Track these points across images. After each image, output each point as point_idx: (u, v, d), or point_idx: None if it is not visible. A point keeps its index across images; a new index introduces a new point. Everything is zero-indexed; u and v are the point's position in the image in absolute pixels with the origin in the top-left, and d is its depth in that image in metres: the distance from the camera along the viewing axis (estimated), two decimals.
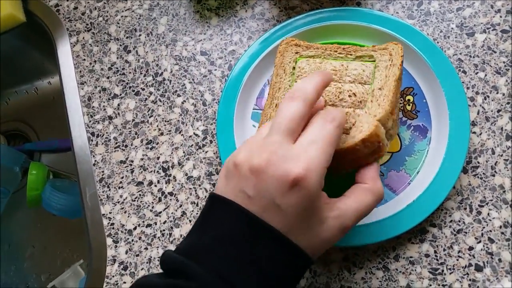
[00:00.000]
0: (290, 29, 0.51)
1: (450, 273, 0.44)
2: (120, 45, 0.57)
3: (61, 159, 0.78)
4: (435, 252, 0.45)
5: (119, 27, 0.58)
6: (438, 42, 0.50)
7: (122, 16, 0.58)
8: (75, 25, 0.60)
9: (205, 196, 0.50)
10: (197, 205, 0.50)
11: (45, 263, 0.73)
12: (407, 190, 0.45)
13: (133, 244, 0.50)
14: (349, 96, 0.41)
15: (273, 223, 0.29)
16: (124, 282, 0.49)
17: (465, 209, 0.45)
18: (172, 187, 0.51)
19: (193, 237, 0.32)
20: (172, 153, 0.52)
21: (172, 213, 0.50)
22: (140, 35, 0.57)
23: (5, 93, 0.81)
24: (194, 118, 0.53)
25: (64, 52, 0.58)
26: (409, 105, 0.48)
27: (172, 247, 0.49)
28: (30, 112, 0.80)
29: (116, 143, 0.54)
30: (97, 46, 0.58)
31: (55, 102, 0.79)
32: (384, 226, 0.44)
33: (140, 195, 0.52)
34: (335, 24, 0.50)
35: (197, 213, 0.50)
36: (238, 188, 0.31)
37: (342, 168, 0.38)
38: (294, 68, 0.45)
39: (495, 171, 0.46)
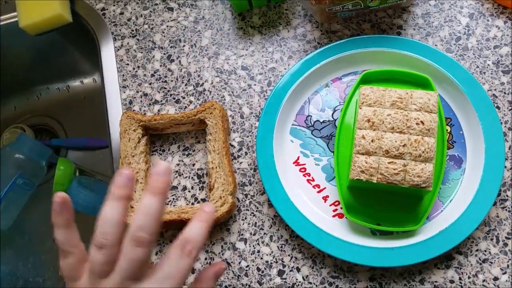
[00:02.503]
0: (332, 52, 0.53)
1: None
2: (164, 54, 0.59)
3: (88, 157, 0.79)
4: (459, 279, 0.46)
5: (164, 36, 0.60)
6: (474, 77, 0.52)
7: (167, 26, 0.60)
8: (120, 30, 0.62)
9: (238, 206, 0.51)
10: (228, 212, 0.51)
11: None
12: (439, 217, 0.46)
13: (164, 246, 0.51)
14: (417, 124, 0.43)
15: None
16: None
17: (491, 239, 0.46)
18: (206, 194, 0.53)
19: None
20: (207, 159, 0.54)
21: None
22: (184, 45, 0.59)
23: (37, 88, 0.83)
24: (231, 130, 0.54)
25: (108, 55, 0.60)
26: (446, 135, 0.50)
27: (201, 252, 0.50)
28: (60, 109, 0.82)
29: (154, 147, 0.55)
30: (141, 52, 0.60)
31: (86, 101, 0.81)
32: (414, 251, 0.45)
33: (173, 199, 0.53)
34: (376, 50, 0.52)
35: (229, 222, 0.51)
36: None
37: None
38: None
39: None
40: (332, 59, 0.53)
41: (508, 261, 0.46)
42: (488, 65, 0.53)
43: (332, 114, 0.53)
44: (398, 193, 0.46)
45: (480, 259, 0.46)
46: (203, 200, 0.52)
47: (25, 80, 0.81)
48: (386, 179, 0.42)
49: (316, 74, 0.53)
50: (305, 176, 0.50)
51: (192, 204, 0.52)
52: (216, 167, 0.50)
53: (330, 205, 0.49)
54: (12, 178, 0.70)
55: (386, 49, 0.52)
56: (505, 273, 0.45)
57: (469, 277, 0.46)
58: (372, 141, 0.43)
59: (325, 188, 0.50)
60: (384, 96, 0.45)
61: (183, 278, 0.32)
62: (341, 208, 0.48)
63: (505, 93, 0.51)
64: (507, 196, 0.48)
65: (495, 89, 0.52)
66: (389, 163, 0.43)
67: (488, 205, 0.45)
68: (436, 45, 0.54)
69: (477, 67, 0.53)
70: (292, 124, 0.53)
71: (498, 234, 0.46)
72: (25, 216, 0.75)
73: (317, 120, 0.53)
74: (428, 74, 0.50)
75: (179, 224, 0.49)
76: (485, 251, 0.46)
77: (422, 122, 0.43)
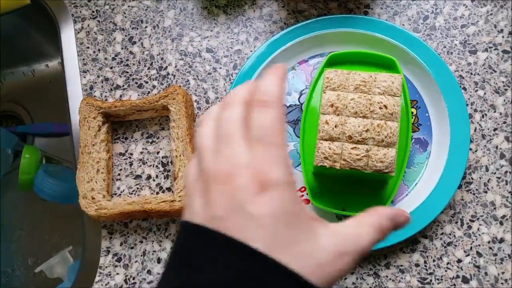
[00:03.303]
0: (298, 33, 0.51)
1: (438, 283, 0.45)
2: (126, 36, 0.57)
3: (54, 144, 0.77)
4: (425, 262, 0.46)
5: (125, 17, 0.57)
6: (441, 57, 0.51)
7: (129, 6, 0.58)
8: (80, 12, 0.59)
9: None
10: None
11: (33, 247, 0.72)
12: (404, 201, 0.46)
13: (128, 236, 0.50)
14: (380, 108, 0.42)
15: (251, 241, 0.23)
16: (117, 274, 0.49)
17: (456, 223, 0.47)
18: (170, 183, 0.52)
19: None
20: (171, 146, 0.52)
21: None
22: (146, 27, 0.57)
23: (1, 73, 0.79)
24: (196, 115, 0.53)
25: (68, 38, 0.58)
26: (411, 117, 0.49)
27: (167, 242, 0.50)
28: (25, 94, 0.79)
29: (117, 135, 0.54)
30: (102, 35, 0.57)
31: (52, 85, 0.78)
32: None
33: (138, 188, 0.52)
34: (343, 31, 0.51)
35: None
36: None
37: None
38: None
39: (487, 188, 0.47)
40: (298, 41, 0.51)
41: (471, 243, 0.46)
42: (456, 45, 0.52)
43: (299, 98, 0.51)
44: (362, 178, 0.45)
45: (445, 243, 0.46)
46: (168, 189, 0.51)
47: None
48: (349, 165, 0.42)
49: (282, 56, 0.52)
50: None
51: (157, 193, 0.51)
52: (180, 155, 0.49)
53: (296, 191, 0.48)
54: None
55: (353, 29, 0.51)
56: (468, 255, 0.46)
57: (433, 260, 0.46)
58: (335, 126, 0.43)
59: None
60: (348, 79, 0.44)
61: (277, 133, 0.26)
62: (307, 194, 0.48)
63: (471, 74, 0.51)
64: (472, 179, 0.48)
65: (461, 70, 0.51)
66: (352, 148, 0.42)
67: (453, 188, 0.45)
68: (403, 24, 0.53)
69: (444, 47, 0.52)
70: None
71: (462, 217, 0.47)
72: None
73: (283, 104, 0.51)
74: (394, 55, 0.49)
75: (143, 215, 0.48)
76: (450, 234, 0.46)
77: (385, 106, 0.43)
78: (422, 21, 0.53)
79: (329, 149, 0.42)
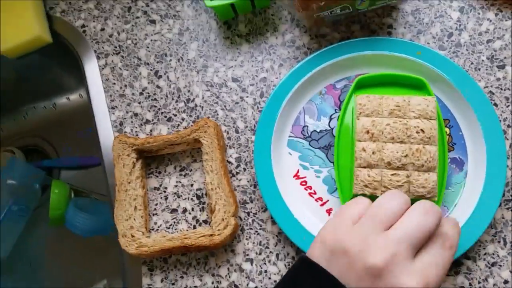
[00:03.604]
0: (323, 59, 0.51)
1: None
2: (151, 70, 0.57)
3: (81, 176, 0.78)
4: (470, 284, 0.46)
5: (149, 51, 0.58)
6: (469, 74, 0.51)
7: (151, 40, 0.58)
8: (102, 47, 0.59)
9: (241, 225, 0.51)
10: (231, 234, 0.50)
11: (67, 282, 0.73)
12: None
13: (169, 272, 0.51)
14: (417, 132, 0.42)
15: None
16: None
17: (499, 242, 0.46)
18: (207, 215, 0.52)
19: None
20: (205, 180, 0.52)
21: None
22: (170, 60, 0.57)
23: (23, 108, 0.80)
24: (227, 146, 0.53)
25: (93, 75, 0.58)
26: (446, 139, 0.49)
27: (208, 276, 0.50)
28: (49, 127, 0.80)
29: (150, 169, 0.54)
30: (127, 70, 0.58)
31: (74, 118, 0.79)
32: None
33: (174, 222, 0.52)
34: (368, 54, 0.51)
35: (233, 243, 0.50)
36: (345, 273, 0.32)
37: None
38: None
39: None
40: (323, 66, 0.51)
41: None
42: (483, 60, 0.52)
43: (329, 123, 0.51)
44: None
45: (489, 263, 0.46)
46: (205, 222, 0.51)
47: (10, 101, 0.78)
48: None
49: (309, 82, 0.52)
50: (307, 190, 0.50)
51: (194, 227, 0.51)
52: (215, 188, 0.49)
53: None
54: (7, 205, 0.69)
55: (377, 52, 0.51)
56: None
57: (479, 282, 0.45)
58: (373, 153, 0.43)
59: (327, 201, 0.49)
60: (382, 104, 0.44)
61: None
62: None
63: (501, 89, 0.50)
64: (511, 196, 0.47)
65: (491, 86, 0.51)
66: (392, 175, 0.42)
67: (494, 207, 0.45)
68: (428, 43, 0.53)
69: (472, 63, 0.52)
70: (289, 136, 0.51)
71: (505, 235, 0.46)
72: (23, 242, 0.74)
73: (314, 130, 0.51)
74: (422, 75, 0.49)
75: (183, 250, 0.48)
76: (493, 254, 0.46)
77: (422, 130, 0.42)
78: (447, 38, 0.53)
79: (369, 176, 0.42)
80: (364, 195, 0.42)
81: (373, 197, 0.42)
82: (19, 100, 0.79)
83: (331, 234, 0.34)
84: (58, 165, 0.78)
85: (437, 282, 0.32)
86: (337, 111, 0.52)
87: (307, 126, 0.52)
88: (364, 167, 0.43)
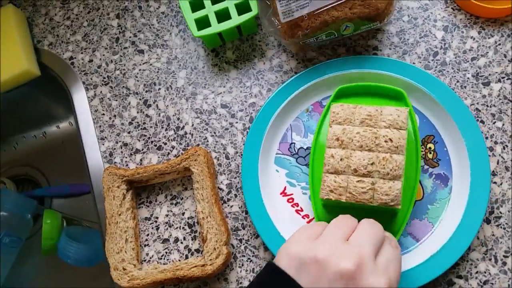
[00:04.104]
0: (309, 78, 0.52)
1: None
2: (140, 99, 0.57)
3: (73, 204, 0.77)
4: None
5: (138, 80, 0.58)
6: (455, 92, 0.51)
7: (140, 70, 0.58)
8: (91, 79, 0.59)
9: (234, 253, 0.50)
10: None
11: None
12: (430, 239, 0.46)
13: None
14: (385, 141, 0.43)
15: None
16: None
17: (490, 260, 0.46)
18: (199, 244, 0.51)
19: None
20: (197, 208, 0.52)
21: None
22: (159, 88, 0.57)
23: (13, 138, 0.80)
24: (218, 172, 0.53)
25: (81, 106, 0.58)
26: (430, 153, 0.50)
27: None
28: (39, 157, 0.79)
29: (140, 199, 0.54)
30: (116, 100, 0.58)
31: (64, 146, 0.78)
32: (409, 276, 0.45)
33: (166, 252, 0.52)
34: (354, 72, 0.52)
35: (226, 271, 0.50)
36: (317, 281, 0.33)
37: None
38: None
39: None
40: (309, 85, 0.52)
41: (508, 280, 0.46)
42: (468, 78, 0.52)
43: None
44: (371, 211, 0.45)
45: (481, 281, 0.46)
46: (197, 251, 0.51)
47: None
48: (355, 198, 0.42)
49: (295, 100, 0.52)
50: (294, 207, 0.50)
51: (186, 256, 0.51)
52: (207, 217, 0.49)
53: None
54: None
55: (363, 70, 0.51)
56: None
57: None
58: (341, 159, 0.43)
59: (313, 218, 0.49)
60: (354, 113, 0.45)
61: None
62: None
63: (487, 106, 0.51)
64: (500, 213, 0.47)
65: (477, 103, 0.51)
66: (357, 181, 0.42)
67: (478, 222, 0.45)
68: (414, 62, 0.53)
69: (457, 81, 0.52)
70: (276, 153, 0.52)
71: (496, 253, 0.46)
72: (16, 272, 0.73)
73: (301, 147, 0.52)
74: (408, 92, 0.49)
75: (175, 281, 0.48)
76: (485, 272, 0.46)
77: (390, 139, 0.43)
78: (433, 58, 0.53)
79: (335, 182, 0.43)
80: (329, 200, 0.43)
81: (341, 202, 0.43)
82: (9, 131, 0.79)
83: (298, 246, 0.36)
84: (49, 194, 0.78)
85: (396, 277, 0.36)
86: None
87: (294, 143, 0.52)
88: (332, 173, 0.43)
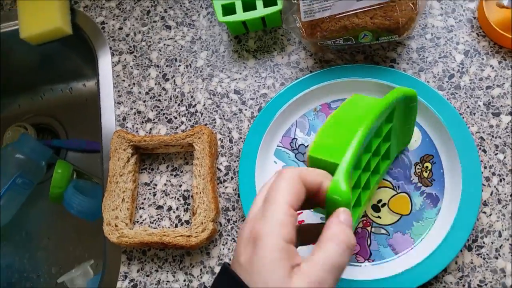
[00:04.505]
0: (324, 78, 0.54)
1: None
2: (160, 72, 0.60)
3: (86, 160, 0.81)
4: None
5: (161, 54, 0.61)
6: (464, 117, 0.52)
7: (164, 44, 0.61)
8: (118, 45, 0.63)
9: (220, 231, 0.53)
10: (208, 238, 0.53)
11: (57, 256, 0.76)
12: (408, 255, 0.48)
13: (145, 264, 0.53)
14: None
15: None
16: None
17: (463, 286, 0.47)
18: (189, 216, 0.54)
19: None
20: (193, 183, 0.55)
21: None
22: (179, 65, 0.60)
23: (41, 88, 0.85)
24: (220, 153, 0.56)
25: (105, 69, 0.62)
26: (426, 171, 0.50)
27: (181, 274, 0.52)
28: (63, 110, 0.83)
29: (144, 165, 0.57)
30: (138, 69, 0.61)
31: (88, 104, 0.82)
32: (380, 285, 0.46)
33: (158, 218, 0.55)
34: (367, 81, 0.53)
35: (209, 246, 0.53)
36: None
37: None
38: None
39: (499, 254, 0.48)
40: (321, 85, 0.53)
41: None
42: (479, 106, 0.52)
43: None
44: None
45: None
46: (187, 222, 0.54)
47: (29, 80, 0.82)
48: None
49: (305, 98, 0.54)
50: None
51: (176, 225, 0.54)
52: (200, 193, 0.51)
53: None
54: (12, 177, 0.73)
55: (377, 80, 0.52)
56: None
57: None
58: None
59: (301, 212, 0.51)
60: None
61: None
62: None
63: (493, 136, 0.51)
64: (483, 243, 0.48)
65: (483, 132, 0.51)
66: None
67: (457, 248, 0.46)
68: (428, 81, 0.54)
69: (468, 107, 0.52)
70: (277, 146, 0.54)
71: (470, 281, 0.47)
72: (23, 212, 0.78)
73: (302, 144, 0.53)
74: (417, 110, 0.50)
75: (161, 246, 0.51)
76: None
77: None
78: (448, 79, 0.54)
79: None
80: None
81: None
82: (39, 81, 0.83)
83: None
84: (66, 146, 0.82)
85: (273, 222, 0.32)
86: None
87: (296, 139, 0.54)
88: None
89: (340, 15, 0.48)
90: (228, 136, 0.56)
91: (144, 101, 0.59)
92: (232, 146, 0.56)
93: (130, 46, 0.62)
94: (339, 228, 0.31)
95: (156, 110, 0.59)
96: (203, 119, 0.57)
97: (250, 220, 0.32)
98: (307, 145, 0.53)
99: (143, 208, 0.56)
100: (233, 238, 0.52)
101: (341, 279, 0.47)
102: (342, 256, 0.30)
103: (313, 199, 0.34)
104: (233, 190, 0.54)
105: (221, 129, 0.56)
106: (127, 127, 0.59)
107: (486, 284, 0.47)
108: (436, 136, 0.51)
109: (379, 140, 0.43)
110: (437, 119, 0.50)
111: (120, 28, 0.63)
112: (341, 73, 0.53)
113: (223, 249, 0.52)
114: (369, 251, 0.49)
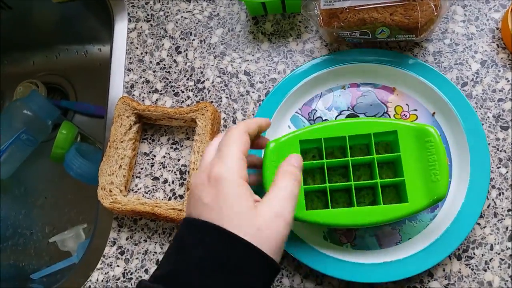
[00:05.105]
0: (358, 57, 0.53)
1: None
2: (173, 44, 0.60)
3: (92, 124, 0.82)
4: None
5: (177, 26, 0.61)
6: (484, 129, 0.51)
7: (182, 17, 0.61)
8: (136, 12, 0.62)
9: None
10: None
11: (52, 216, 0.77)
12: (392, 249, 0.47)
13: (135, 233, 0.54)
14: None
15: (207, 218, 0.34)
16: (118, 266, 0.53)
17: None
18: (184, 191, 0.54)
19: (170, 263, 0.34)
20: (191, 158, 0.55)
21: None
22: (193, 39, 0.60)
23: (57, 48, 0.85)
24: (221, 132, 0.55)
25: (120, 35, 0.62)
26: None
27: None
28: (75, 72, 0.84)
29: (145, 135, 0.57)
30: (152, 39, 0.61)
31: (101, 69, 0.83)
32: (361, 270, 0.46)
33: (153, 189, 0.55)
34: (399, 70, 0.52)
35: None
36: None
37: None
38: None
39: (488, 267, 0.47)
40: (355, 65, 0.53)
41: None
42: (488, 117, 0.52)
43: (336, 116, 0.53)
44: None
45: None
46: (181, 196, 0.54)
47: (46, 38, 0.83)
48: None
49: (336, 73, 0.53)
50: None
51: (170, 198, 0.54)
52: (196, 169, 0.51)
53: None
54: (17, 132, 0.74)
55: (407, 71, 0.52)
56: None
57: None
58: None
59: None
60: None
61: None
62: None
63: (498, 149, 0.50)
64: (474, 254, 0.48)
65: (489, 144, 0.51)
66: None
67: (444, 255, 0.45)
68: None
69: None
70: (296, 112, 0.54)
71: None
72: (24, 169, 0.79)
73: (320, 117, 0.53)
74: (437, 108, 0.51)
75: (152, 216, 0.51)
76: None
77: None
78: (460, 87, 0.53)
79: None
80: None
81: None
82: (55, 40, 0.84)
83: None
84: (74, 108, 0.82)
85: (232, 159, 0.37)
86: (349, 109, 0.53)
87: (316, 110, 0.53)
88: None
89: (360, 7, 0.48)
90: (232, 116, 0.56)
91: (154, 71, 0.59)
92: None
93: (148, 14, 0.62)
94: (288, 167, 0.38)
95: (165, 82, 0.59)
96: (210, 96, 0.57)
97: (205, 168, 0.36)
98: (324, 119, 0.53)
99: (139, 177, 0.56)
100: None
101: (318, 252, 0.47)
102: (294, 186, 0.36)
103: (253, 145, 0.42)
104: None
105: (226, 108, 0.56)
106: (133, 95, 0.59)
107: None
108: (454, 143, 0.50)
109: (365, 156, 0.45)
110: (457, 121, 0.49)
111: None
112: (373, 57, 0.53)
113: None
114: (354, 234, 0.49)
